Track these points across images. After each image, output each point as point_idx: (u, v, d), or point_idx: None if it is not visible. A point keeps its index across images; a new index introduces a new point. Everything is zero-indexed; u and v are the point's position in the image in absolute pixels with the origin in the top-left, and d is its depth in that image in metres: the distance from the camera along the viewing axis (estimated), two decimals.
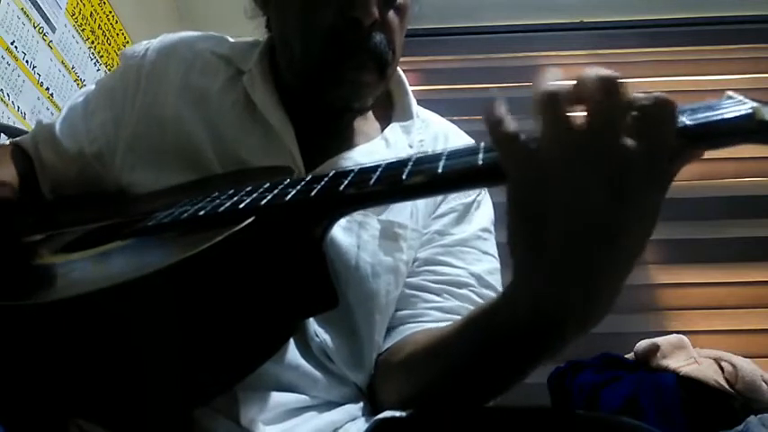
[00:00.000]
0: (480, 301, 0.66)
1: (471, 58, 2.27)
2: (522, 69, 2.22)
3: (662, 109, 0.35)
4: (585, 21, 2.29)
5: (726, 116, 0.36)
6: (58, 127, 0.76)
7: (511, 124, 0.37)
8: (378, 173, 0.43)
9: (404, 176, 0.42)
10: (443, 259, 0.69)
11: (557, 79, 0.36)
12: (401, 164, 0.43)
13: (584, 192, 0.36)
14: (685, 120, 0.36)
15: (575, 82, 0.36)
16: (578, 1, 2.25)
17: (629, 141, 0.35)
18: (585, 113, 0.36)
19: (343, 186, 0.44)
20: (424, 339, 0.61)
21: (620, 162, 0.35)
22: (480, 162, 0.40)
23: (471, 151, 0.41)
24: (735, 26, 2.22)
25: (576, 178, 0.36)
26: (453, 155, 0.42)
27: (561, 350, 0.46)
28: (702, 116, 0.36)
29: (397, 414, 0.55)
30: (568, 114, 0.36)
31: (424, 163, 0.42)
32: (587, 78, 0.36)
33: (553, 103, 0.36)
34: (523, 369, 0.50)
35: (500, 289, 0.69)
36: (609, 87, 0.35)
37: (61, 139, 0.75)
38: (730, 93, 0.38)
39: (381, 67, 0.67)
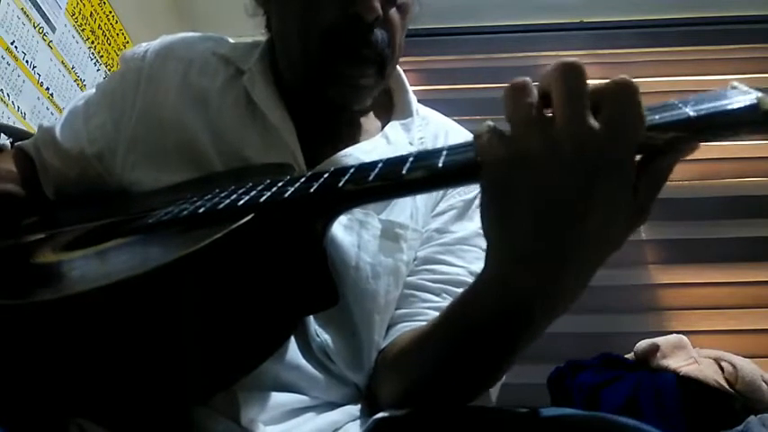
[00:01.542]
0: None
1: (471, 58, 2.27)
2: (522, 69, 2.21)
3: (621, 89, 0.36)
4: (585, 21, 2.29)
5: (730, 107, 0.35)
6: (58, 129, 0.76)
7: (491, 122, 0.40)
8: (377, 169, 0.44)
9: (404, 171, 0.42)
10: (443, 258, 0.69)
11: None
12: (401, 159, 0.43)
13: (552, 177, 0.37)
14: (689, 111, 0.36)
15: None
16: (578, 1, 2.25)
17: (595, 125, 0.36)
18: (554, 100, 0.37)
19: (342, 182, 0.44)
20: (411, 337, 0.61)
21: (586, 145, 0.36)
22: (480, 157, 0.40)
23: (471, 146, 0.41)
24: (735, 26, 2.22)
25: (544, 163, 0.37)
26: (453, 150, 0.42)
27: (534, 338, 0.47)
28: (706, 107, 0.36)
29: (396, 413, 0.55)
30: (534, 101, 0.38)
31: (424, 158, 0.42)
32: (552, 67, 0.38)
33: (520, 92, 0.38)
34: (500, 360, 0.51)
35: None
36: (564, 71, 0.37)
37: (62, 141, 0.75)
38: (734, 83, 0.38)
39: (381, 66, 0.67)
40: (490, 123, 0.40)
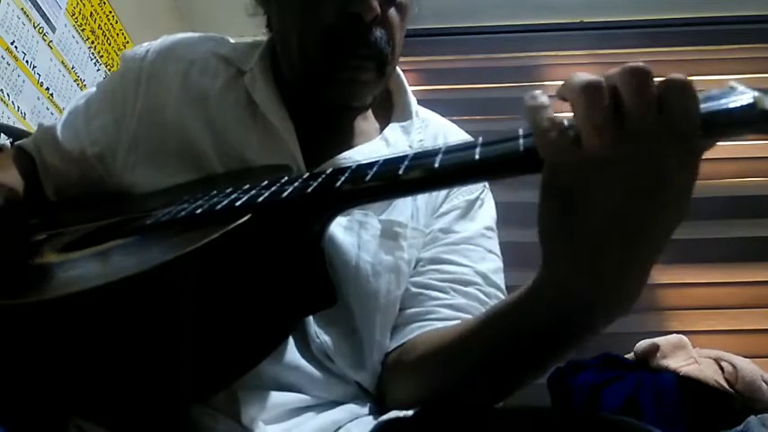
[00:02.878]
0: (487, 300, 0.66)
1: (471, 58, 2.27)
2: (522, 69, 2.22)
3: (681, 92, 0.36)
4: (585, 21, 2.29)
5: (727, 106, 0.35)
6: (59, 129, 0.76)
7: (552, 114, 0.38)
8: (374, 169, 0.44)
9: (400, 172, 0.42)
10: (448, 257, 0.69)
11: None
12: (398, 160, 0.43)
13: (626, 179, 0.37)
14: None
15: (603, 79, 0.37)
16: (578, 1, 2.25)
17: (658, 127, 0.36)
18: (626, 103, 0.36)
19: (339, 183, 0.44)
20: (437, 340, 0.60)
21: (658, 146, 0.36)
22: (477, 157, 0.40)
23: (468, 146, 0.41)
24: (735, 26, 2.22)
25: (619, 166, 0.37)
26: (450, 150, 0.42)
27: (587, 340, 0.47)
28: (703, 107, 0.36)
29: (401, 415, 0.55)
30: (610, 105, 0.36)
31: (422, 158, 0.42)
32: (621, 70, 0.37)
33: (597, 93, 0.36)
34: (546, 363, 0.51)
35: (504, 289, 0.69)
36: (641, 73, 0.36)
37: (63, 141, 0.75)
38: (732, 83, 0.38)
39: (381, 65, 0.67)
40: (551, 116, 0.37)
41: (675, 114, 0.36)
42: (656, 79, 0.36)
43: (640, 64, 0.36)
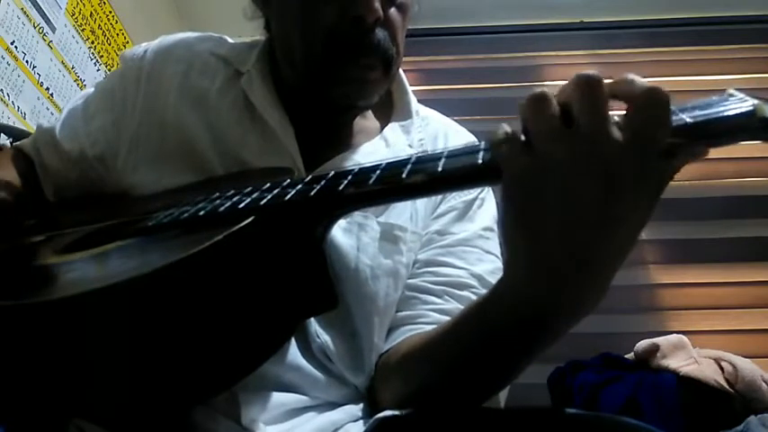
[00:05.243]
0: None
1: (471, 58, 2.27)
2: (522, 69, 2.23)
3: (652, 101, 0.36)
4: (585, 21, 2.29)
5: (726, 114, 0.35)
6: (58, 130, 0.76)
7: (505, 126, 0.39)
8: (377, 172, 0.43)
9: (404, 176, 0.42)
10: (444, 260, 0.68)
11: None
12: (401, 163, 0.43)
13: (577, 186, 0.37)
14: (685, 117, 0.36)
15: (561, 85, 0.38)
16: (578, 1, 2.25)
17: (619, 134, 0.36)
18: (575, 111, 0.37)
19: (342, 186, 0.44)
20: (418, 341, 0.61)
21: (611, 155, 0.36)
22: (480, 161, 0.40)
23: (471, 150, 0.41)
24: (735, 26, 2.23)
25: (568, 173, 0.37)
26: (453, 154, 0.42)
27: (551, 344, 0.47)
28: (703, 114, 0.36)
29: (397, 413, 0.55)
30: (556, 113, 0.37)
31: (424, 162, 0.42)
32: (572, 79, 0.37)
33: (541, 103, 0.37)
34: (516, 365, 0.51)
35: None
36: (584, 84, 0.36)
37: (62, 142, 0.75)
38: (731, 90, 0.38)
39: (386, 65, 0.67)
40: (507, 130, 0.39)
41: (636, 126, 0.36)
42: (630, 82, 0.36)
43: (592, 75, 0.36)
